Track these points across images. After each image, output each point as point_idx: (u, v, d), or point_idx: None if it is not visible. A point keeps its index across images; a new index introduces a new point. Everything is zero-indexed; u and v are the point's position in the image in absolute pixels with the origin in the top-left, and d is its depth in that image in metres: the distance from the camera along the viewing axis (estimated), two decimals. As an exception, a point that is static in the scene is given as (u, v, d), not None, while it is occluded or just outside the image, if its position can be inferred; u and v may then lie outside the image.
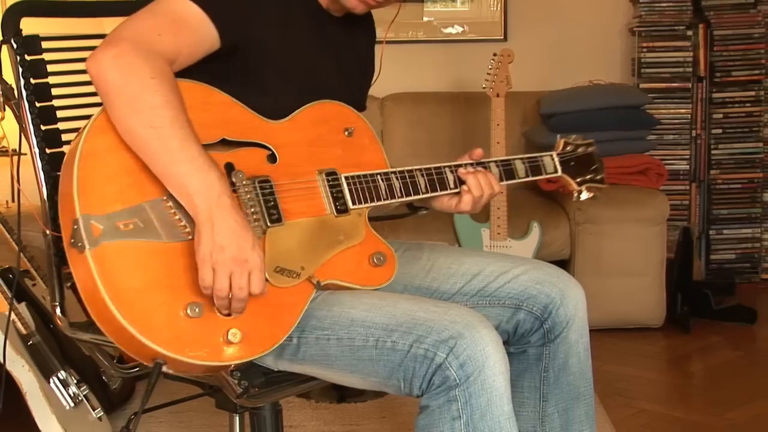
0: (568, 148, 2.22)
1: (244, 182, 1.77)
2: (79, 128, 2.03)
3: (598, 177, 2.24)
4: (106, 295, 1.60)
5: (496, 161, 2.10)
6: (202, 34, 1.81)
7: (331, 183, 1.90)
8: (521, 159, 2.13)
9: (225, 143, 1.81)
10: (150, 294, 1.64)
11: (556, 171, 2.18)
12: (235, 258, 1.65)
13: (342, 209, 1.89)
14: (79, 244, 1.62)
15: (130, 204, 1.67)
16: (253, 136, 1.84)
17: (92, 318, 1.68)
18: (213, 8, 1.80)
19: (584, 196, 2.22)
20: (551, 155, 2.18)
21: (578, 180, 2.21)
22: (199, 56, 1.83)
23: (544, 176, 2.17)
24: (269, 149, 1.85)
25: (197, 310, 1.66)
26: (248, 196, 1.78)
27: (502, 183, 2.09)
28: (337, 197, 1.89)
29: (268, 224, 1.79)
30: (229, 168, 1.77)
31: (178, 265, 1.68)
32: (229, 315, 1.69)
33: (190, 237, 1.69)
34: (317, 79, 1.99)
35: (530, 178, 2.15)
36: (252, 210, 1.77)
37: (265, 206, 1.79)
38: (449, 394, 1.67)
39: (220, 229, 1.65)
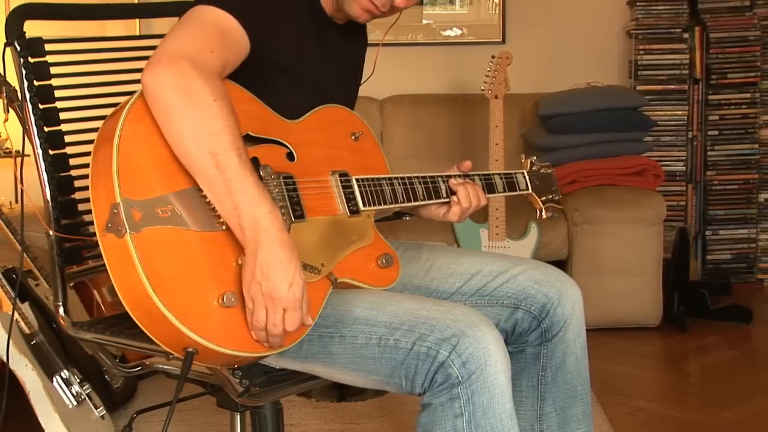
0: (534, 168, 2.29)
1: (272, 176, 1.78)
2: (83, 129, 2.05)
3: (557, 198, 2.31)
4: (147, 280, 1.58)
5: (479, 174, 2.13)
6: (241, 44, 1.82)
7: (344, 184, 1.91)
8: (499, 174, 2.20)
9: (249, 138, 1.79)
10: (187, 281, 1.63)
11: (527, 188, 2.25)
12: (267, 295, 1.64)
13: (354, 210, 1.90)
14: (120, 229, 1.59)
15: (168, 191, 1.65)
16: (274, 134, 1.85)
17: (124, 305, 1.64)
18: (245, 17, 1.80)
19: (545, 215, 2.28)
20: (523, 173, 2.25)
21: (542, 199, 2.27)
22: (236, 66, 1.83)
23: (518, 192, 2.24)
24: (288, 147, 1.85)
25: (233, 299, 1.65)
26: (276, 190, 1.78)
27: (488, 195, 2.14)
28: (350, 198, 1.91)
29: (293, 219, 1.79)
30: (256, 162, 1.77)
31: (213, 254, 1.67)
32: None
33: (223, 228, 1.68)
34: (323, 84, 2.01)
35: (507, 193, 2.21)
36: (279, 205, 1.75)
37: (290, 202, 1.79)
38: (451, 391, 1.67)
39: (261, 263, 1.65)
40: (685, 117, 5.05)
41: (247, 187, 1.65)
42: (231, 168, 1.65)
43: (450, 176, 2.07)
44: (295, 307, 1.66)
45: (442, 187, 2.06)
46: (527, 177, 2.25)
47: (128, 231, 1.59)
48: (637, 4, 5.03)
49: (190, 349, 1.63)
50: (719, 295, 4.67)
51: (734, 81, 5.02)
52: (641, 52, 5.03)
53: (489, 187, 2.15)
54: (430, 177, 2.04)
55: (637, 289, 4.31)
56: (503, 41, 5.22)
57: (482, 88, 4.05)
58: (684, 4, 5.01)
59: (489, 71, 4.05)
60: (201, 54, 1.71)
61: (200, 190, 1.67)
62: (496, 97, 4.01)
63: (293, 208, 1.79)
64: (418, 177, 2.02)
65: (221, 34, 1.78)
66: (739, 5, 5.02)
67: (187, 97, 1.65)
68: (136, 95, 1.70)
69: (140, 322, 1.65)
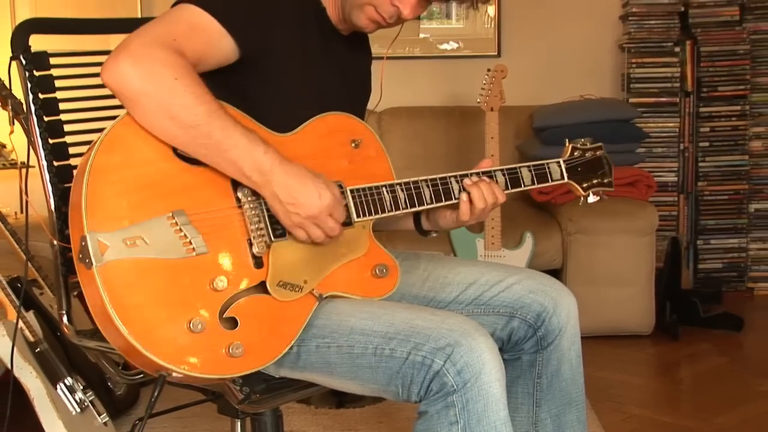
0: (576, 153, 2.16)
1: (249, 198, 1.77)
2: (87, 142, 2.04)
3: (606, 180, 2.19)
4: (112, 310, 1.60)
5: (502, 170, 2.05)
6: (218, 44, 1.81)
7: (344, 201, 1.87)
8: (527, 167, 2.08)
9: None
10: (154, 309, 1.64)
11: (562, 177, 2.13)
12: (311, 216, 1.74)
13: (346, 222, 1.86)
14: (87, 261, 1.62)
15: (136, 221, 1.66)
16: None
17: (101, 331, 1.68)
18: (230, 20, 1.80)
19: (591, 199, 2.18)
20: (558, 162, 2.13)
21: (584, 185, 2.16)
22: (214, 65, 1.82)
23: (550, 183, 2.12)
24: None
25: (200, 325, 1.65)
26: (253, 212, 1.77)
27: (507, 191, 2.05)
28: None
29: (272, 239, 1.78)
30: (235, 184, 1.77)
31: (181, 281, 1.68)
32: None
33: (194, 253, 1.69)
34: (326, 94, 1.99)
35: (536, 186, 2.10)
36: (256, 226, 1.76)
37: (269, 221, 1.78)
38: (447, 399, 1.67)
39: (284, 198, 1.73)
40: (677, 129, 5.05)
41: (236, 140, 1.70)
42: (215, 132, 1.69)
43: (465, 174, 2.01)
44: (334, 204, 1.77)
45: (455, 187, 1.99)
46: (563, 166, 2.13)
47: (94, 263, 1.60)
48: (630, 18, 5.04)
49: (162, 373, 1.66)
50: (710, 303, 4.66)
51: (724, 94, 5.03)
52: (633, 65, 5.03)
53: (514, 182, 2.06)
54: (441, 178, 1.99)
55: (630, 298, 4.31)
56: (498, 55, 5.23)
57: (478, 100, 4.05)
58: (675, 19, 5.02)
59: (485, 84, 4.05)
60: (160, 39, 1.71)
61: (170, 218, 1.68)
62: (492, 109, 4.01)
63: (273, 227, 1.78)
64: (426, 180, 1.97)
65: (190, 28, 1.77)
66: (729, 20, 5.02)
67: (150, 82, 1.67)
68: (108, 127, 1.71)
69: (116, 347, 1.68)
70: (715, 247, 5.09)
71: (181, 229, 1.68)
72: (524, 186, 2.08)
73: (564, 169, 2.12)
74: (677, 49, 5.01)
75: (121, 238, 1.64)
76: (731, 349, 4.24)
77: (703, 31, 5.02)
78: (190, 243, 1.69)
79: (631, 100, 5.01)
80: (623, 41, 5.12)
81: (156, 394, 1.69)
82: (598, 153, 2.19)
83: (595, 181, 2.17)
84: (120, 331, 1.61)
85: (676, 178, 5.07)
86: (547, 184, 2.13)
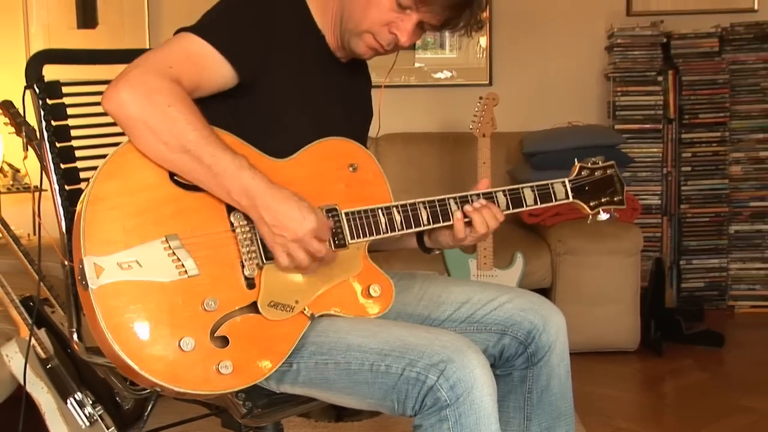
0: (584, 173, 2.13)
1: (241, 222, 1.77)
2: (97, 166, 2.04)
3: (616, 198, 2.15)
4: (106, 329, 1.62)
5: (503, 190, 2.03)
6: (215, 71, 1.81)
7: (330, 219, 1.86)
8: (530, 187, 2.05)
9: None
10: (146, 329, 1.65)
11: (567, 197, 2.09)
12: (295, 239, 1.73)
13: (340, 244, 1.85)
14: (83, 283, 1.64)
15: (130, 245, 1.67)
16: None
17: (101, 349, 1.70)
18: (227, 47, 1.80)
19: (601, 217, 2.13)
20: (563, 182, 2.09)
21: (592, 204, 2.12)
22: (213, 90, 1.83)
23: (554, 203, 2.08)
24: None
25: (190, 344, 1.66)
26: (245, 236, 1.76)
27: (509, 211, 2.03)
28: (336, 233, 1.86)
29: (264, 261, 1.77)
30: (229, 209, 1.77)
31: (173, 302, 1.68)
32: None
33: (186, 275, 1.69)
34: (325, 119, 1.98)
35: (539, 206, 2.07)
36: (248, 249, 1.76)
37: (261, 244, 1.77)
38: (440, 414, 1.66)
39: (270, 220, 1.72)
40: (660, 154, 5.06)
41: (225, 165, 1.70)
42: (205, 157, 1.69)
43: (465, 196, 2.00)
44: (318, 228, 1.75)
45: (453, 207, 1.98)
46: (568, 186, 2.09)
47: (90, 286, 1.62)
48: (615, 49, 5.06)
49: (156, 389, 1.68)
50: (693, 320, 4.66)
51: (705, 121, 5.04)
52: (619, 93, 5.04)
53: (515, 202, 2.03)
54: (439, 200, 1.97)
55: (616, 316, 4.30)
56: (490, 83, 5.24)
57: (470, 127, 4.05)
58: (658, 50, 5.04)
59: (477, 111, 4.05)
60: (157, 69, 1.73)
61: (163, 242, 1.69)
62: (484, 135, 4.01)
63: (264, 250, 1.78)
64: (423, 202, 1.95)
65: (187, 56, 1.78)
66: (708, 51, 5.04)
67: (144, 108, 1.68)
68: (107, 157, 1.72)
69: (113, 363, 1.70)
70: (697, 267, 5.09)
71: (174, 253, 1.69)
72: (526, 206, 2.05)
73: (569, 189, 2.09)
74: (660, 79, 5.03)
75: (116, 261, 1.65)
76: (713, 364, 4.23)
77: (685, 62, 5.03)
78: (183, 266, 1.69)
79: (617, 126, 5.02)
80: (609, 71, 5.13)
81: (149, 408, 1.72)
82: (609, 171, 2.16)
83: (604, 200, 2.14)
84: (114, 350, 1.63)
85: (660, 201, 5.07)
86: (551, 204, 2.09)
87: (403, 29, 1.93)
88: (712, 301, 5.07)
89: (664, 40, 5.06)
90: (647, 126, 5.04)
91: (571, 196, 2.10)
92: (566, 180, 2.10)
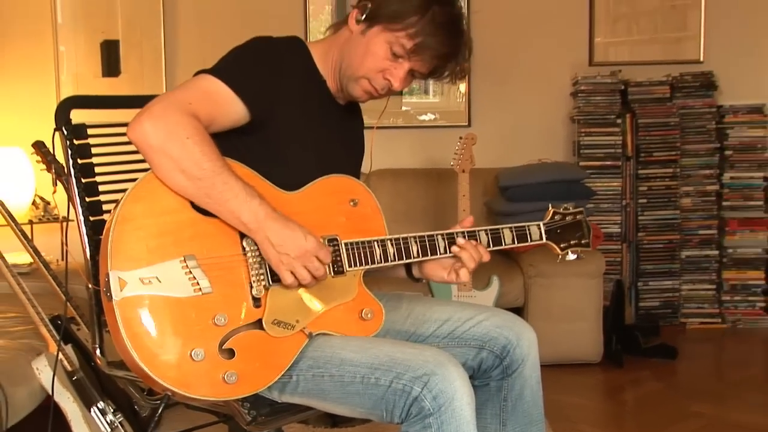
0: (557, 217, 2.14)
1: (252, 247, 1.76)
2: (117, 200, 2.04)
3: (583, 241, 2.16)
4: (126, 337, 1.63)
5: (485, 230, 2.04)
6: (229, 108, 1.82)
7: (331, 248, 1.86)
8: (509, 228, 2.06)
9: None
10: (162, 338, 1.66)
11: (541, 238, 2.11)
12: (299, 256, 1.74)
13: (339, 271, 1.86)
14: (108, 294, 1.64)
15: (153, 263, 1.67)
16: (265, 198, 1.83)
17: (120, 356, 1.70)
18: (241, 88, 1.81)
19: (570, 257, 2.15)
20: (538, 225, 2.10)
21: (562, 245, 2.13)
22: (227, 126, 1.83)
23: (529, 243, 2.09)
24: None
25: (200, 354, 1.67)
26: (255, 259, 1.76)
27: (489, 249, 2.03)
28: (336, 260, 1.86)
29: (270, 283, 1.77)
30: (242, 235, 1.76)
31: (187, 316, 1.68)
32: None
33: (200, 293, 1.69)
34: (326, 155, 1.98)
35: (515, 245, 2.07)
36: (257, 271, 1.76)
37: (269, 268, 1.77)
38: (424, 421, 1.66)
39: (276, 241, 1.72)
40: (620, 188, 5.06)
41: (236, 192, 1.70)
42: (218, 185, 1.69)
43: (452, 234, 2.00)
44: (318, 247, 1.76)
45: (441, 243, 1.98)
46: (542, 228, 2.10)
47: (114, 297, 1.63)
48: (579, 95, 5.07)
49: (168, 393, 1.69)
50: (650, 336, 4.65)
51: (659, 158, 5.05)
52: (583, 134, 5.05)
53: (496, 241, 2.04)
54: (428, 235, 1.98)
55: (581, 331, 4.29)
56: (469, 125, 5.24)
57: (452, 163, 4.06)
58: (617, 96, 5.05)
59: (457, 150, 4.06)
60: (177, 104, 1.73)
61: (181, 261, 1.69)
62: (464, 171, 4.02)
63: (272, 272, 1.77)
64: (414, 236, 1.96)
65: (205, 94, 1.79)
66: (661, 97, 5.06)
67: (165, 139, 1.68)
68: (136, 182, 1.73)
69: (130, 368, 1.70)
70: (653, 288, 5.09)
71: (190, 272, 1.69)
72: (505, 245, 2.05)
73: (543, 231, 2.11)
74: (619, 121, 5.04)
75: (139, 276, 1.65)
76: (667, 375, 4.22)
77: (640, 106, 5.05)
78: (198, 284, 1.69)
79: (581, 163, 5.02)
80: (574, 114, 5.15)
81: (160, 410, 1.73)
82: (578, 217, 2.17)
83: (572, 242, 2.15)
84: (132, 356, 1.63)
85: (620, 230, 5.07)
86: (526, 244, 2.09)
87: (396, 76, 1.94)
88: (666, 318, 5.06)
89: (622, 87, 5.07)
90: (608, 163, 5.05)
91: (544, 238, 2.11)
92: (541, 223, 2.11)
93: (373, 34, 1.93)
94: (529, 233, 2.09)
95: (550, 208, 2.15)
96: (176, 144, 1.68)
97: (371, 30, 1.94)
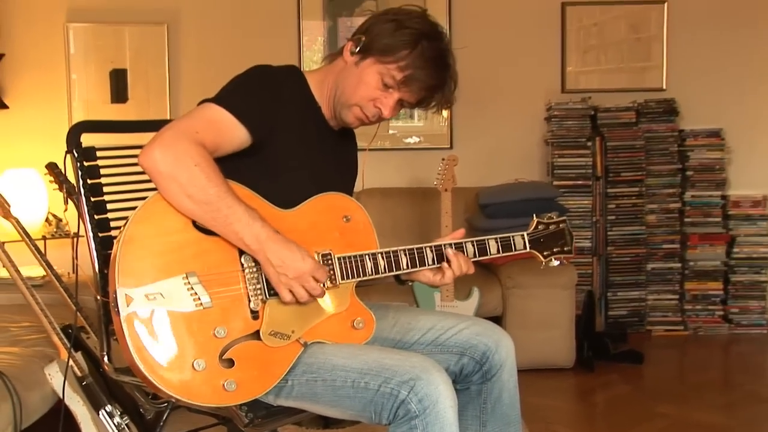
0: (540, 227, 2.11)
1: (250, 264, 1.76)
2: (124, 217, 2.03)
3: (566, 248, 2.14)
4: (132, 349, 1.63)
5: (471, 241, 2.02)
6: (233, 134, 1.82)
7: (325, 262, 1.86)
8: (495, 238, 2.04)
9: None
10: (166, 351, 1.66)
11: (525, 248, 2.08)
12: (297, 277, 1.73)
13: (332, 283, 1.86)
14: (116, 309, 1.64)
15: (157, 280, 1.67)
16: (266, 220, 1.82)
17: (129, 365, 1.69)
18: (243, 114, 1.81)
19: (553, 263, 2.13)
20: (522, 235, 2.08)
21: (545, 253, 2.11)
22: (231, 150, 1.83)
23: (514, 252, 2.07)
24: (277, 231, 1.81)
25: (202, 365, 1.67)
26: (253, 275, 1.76)
27: (475, 259, 2.02)
28: (329, 274, 1.85)
29: (267, 297, 1.77)
30: (240, 252, 1.76)
31: (189, 329, 1.68)
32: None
33: (201, 307, 1.69)
34: (321, 175, 1.98)
35: (501, 255, 2.05)
36: (254, 286, 1.76)
37: (265, 283, 1.77)
38: (410, 423, 1.66)
39: (275, 261, 1.71)
40: (590, 205, 5.07)
41: (240, 215, 1.70)
42: (223, 208, 1.69)
43: (439, 246, 1.99)
44: (315, 268, 1.76)
45: (429, 255, 1.97)
46: (526, 238, 2.08)
47: (120, 312, 1.63)
48: (552, 119, 5.09)
49: (171, 400, 1.70)
50: (618, 342, 4.65)
51: (626, 178, 5.06)
52: (556, 156, 5.06)
53: (481, 251, 2.02)
54: (417, 248, 1.97)
55: (555, 339, 4.29)
56: (451, 147, 5.25)
57: (435, 183, 4.06)
58: (587, 120, 5.07)
59: (440, 170, 4.06)
60: (185, 133, 1.73)
61: (184, 278, 1.69)
62: (446, 190, 4.02)
63: (268, 287, 1.77)
64: (404, 249, 1.95)
65: (210, 122, 1.79)
66: (627, 122, 5.08)
67: (174, 166, 1.68)
68: (140, 205, 1.73)
69: (137, 377, 1.69)
70: (621, 298, 5.09)
71: (192, 288, 1.69)
72: (490, 254, 2.04)
73: (527, 241, 2.09)
74: (589, 144, 5.05)
75: (144, 293, 1.66)
76: (635, 378, 4.22)
77: (609, 130, 5.07)
78: (199, 299, 1.70)
79: (555, 182, 5.03)
80: (548, 137, 5.16)
81: (165, 417, 1.73)
82: (561, 225, 2.15)
83: (555, 249, 2.13)
84: (138, 367, 1.63)
85: (591, 244, 5.08)
86: (511, 253, 2.07)
87: (386, 104, 1.95)
88: (634, 326, 5.06)
89: (592, 112, 5.09)
90: (579, 182, 5.06)
91: (528, 247, 2.09)
92: (525, 234, 2.09)
93: (366, 66, 1.94)
94: (514, 243, 2.07)
95: (534, 218, 2.13)
96: (184, 171, 1.68)
97: (364, 61, 1.94)
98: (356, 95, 1.96)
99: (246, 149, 1.86)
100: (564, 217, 2.16)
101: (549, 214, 2.15)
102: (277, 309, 1.78)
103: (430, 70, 1.92)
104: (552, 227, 2.14)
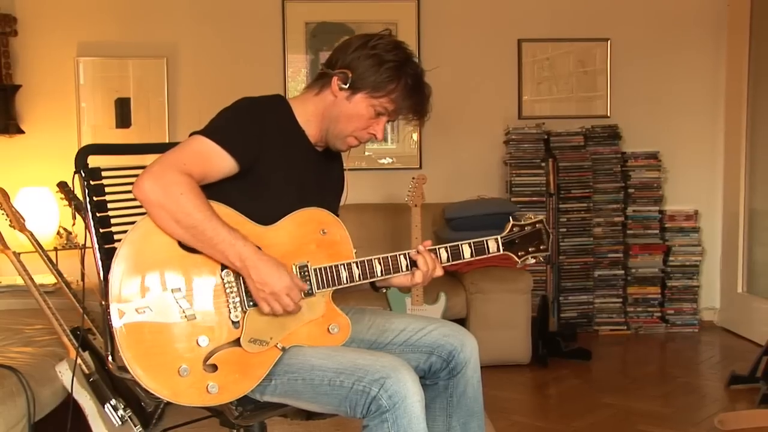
0: (515, 229, 2.04)
1: (229, 279, 1.76)
2: (125, 230, 2.02)
3: (541, 247, 2.05)
4: (125, 357, 1.66)
5: (445, 246, 1.98)
6: (220, 163, 1.79)
7: (302, 273, 1.85)
8: (468, 243, 1.98)
9: None
10: (154, 358, 1.68)
11: (498, 250, 2.01)
12: (273, 293, 1.72)
13: (308, 293, 1.84)
14: (110, 322, 1.67)
15: (145, 295, 1.69)
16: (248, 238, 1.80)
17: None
18: (229, 144, 1.79)
19: (529, 261, 2.05)
20: (496, 238, 2.01)
21: (520, 254, 2.04)
22: (219, 177, 1.81)
23: (487, 255, 1.99)
24: (258, 248, 1.78)
25: (187, 371, 1.68)
26: (232, 289, 1.76)
27: (449, 263, 1.98)
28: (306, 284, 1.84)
29: (247, 308, 1.77)
30: (222, 268, 1.76)
31: (175, 338, 1.70)
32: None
33: (186, 319, 1.70)
34: (305, 194, 1.95)
35: (474, 258, 1.99)
36: (233, 299, 1.76)
37: (245, 294, 1.77)
38: (382, 416, 1.65)
39: (256, 277, 1.71)
40: (544, 219, 5.08)
41: (223, 237, 1.70)
42: (208, 231, 1.69)
43: (409, 252, 1.96)
44: (291, 286, 1.74)
45: (403, 262, 1.95)
46: (500, 241, 2.01)
47: (114, 324, 1.66)
48: (510, 142, 5.11)
49: (164, 400, 1.70)
50: (569, 341, 4.66)
51: (576, 195, 5.09)
52: (514, 175, 5.08)
53: (455, 255, 1.97)
54: (391, 256, 1.94)
55: (514, 338, 4.30)
56: (420, 167, 5.26)
57: (406, 199, 4.06)
58: (541, 144, 5.10)
59: (410, 188, 4.07)
60: (173, 165, 1.72)
61: (170, 293, 1.70)
62: (416, 205, 4.02)
63: (248, 299, 1.76)
64: (378, 258, 1.93)
65: (197, 153, 1.77)
66: (576, 145, 5.11)
67: (162, 196, 1.68)
68: (131, 228, 1.73)
69: (136, 379, 1.69)
70: (572, 302, 5.11)
71: (177, 302, 1.70)
72: (463, 258, 1.98)
73: (500, 244, 2.02)
74: (543, 164, 5.08)
75: (134, 307, 1.68)
76: (583, 373, 4.23)
77: (560, 152, 5.10)
78: (184, 312, 1.70)
79: (513, 199, 5.05)
80: (506, 158, 5.18)
81: (160, 410, 1.73)
82: (537, 226, 2.08)
83: (531, 249, 2.05)
84: (131, 372, 1.66)
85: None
86: (485, 256, 2.01)
87: (379, 129, 1.97)
88: (583, 327, 5.08)
89: (546, 136, 5.12)
90: (535, 198, 5.08)
91: (501, 249, 2.03)
92: (499, 237, 2.03)
93: (359, 101, 1.92)
94: (487, 246, 2.01)
95: (510, 221, 2.06)
96: (171, 200, 1.68)
97: (355, 96, 1.92)
98: (351, 126, 1.95)
99: (234, 174, 1.84)
100: (541, 218, 2.10)
101: (527, 215, 2.09)
102: (256, 318, 1.77)
103: (417, 97, 1.93)
104: (528, 228, 2.06)
